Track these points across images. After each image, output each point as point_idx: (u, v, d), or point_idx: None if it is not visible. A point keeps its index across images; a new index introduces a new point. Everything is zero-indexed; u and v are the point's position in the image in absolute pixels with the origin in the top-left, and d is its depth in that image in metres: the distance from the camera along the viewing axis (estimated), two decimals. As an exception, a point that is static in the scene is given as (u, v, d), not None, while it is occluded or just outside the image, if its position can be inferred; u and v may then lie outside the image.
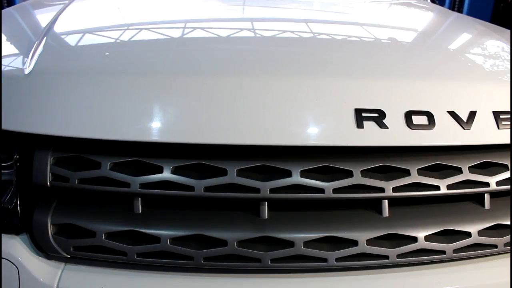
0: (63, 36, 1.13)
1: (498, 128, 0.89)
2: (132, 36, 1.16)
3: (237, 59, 1.02)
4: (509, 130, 0.90)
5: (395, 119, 0.85)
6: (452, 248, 0.88)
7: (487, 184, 0.91)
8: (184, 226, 0.84)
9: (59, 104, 0.84)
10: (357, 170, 0.85)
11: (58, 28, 1.17)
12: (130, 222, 0.85)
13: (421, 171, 0.88)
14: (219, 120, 0.82)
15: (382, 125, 0.84)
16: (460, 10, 6.38)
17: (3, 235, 0.87)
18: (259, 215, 0.86)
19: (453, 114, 0.88)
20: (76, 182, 0.84)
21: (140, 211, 0.86)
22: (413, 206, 0.92)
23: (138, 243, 0.84)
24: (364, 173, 0.86)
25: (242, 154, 0.86)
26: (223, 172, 0.83)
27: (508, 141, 0.90)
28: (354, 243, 0.85)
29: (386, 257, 0.86)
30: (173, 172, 0.83)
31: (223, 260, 0.84)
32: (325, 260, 0.84)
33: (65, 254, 0.86)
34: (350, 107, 0.85)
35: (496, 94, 0.93)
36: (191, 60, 1.00)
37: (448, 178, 0.89)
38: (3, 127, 0.84)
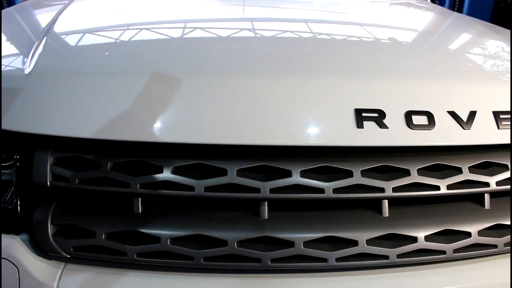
0: (63, 36, 1.13)
1: (498, 128, 0.89)
2: (132, 36, 1.16)
3: (237, 59, 1.02)
4: (509, 130, 0.90)
5: (395, 119, 0.85)
6: (452, 248, 0.89)
7: (487, 184, 0.91)
8: (184, 226, 0.84)
9: (59, 104, 0.84)
10: (357, 170, 0.85)
11: (58, 28, 1.17)
12: (130, 222, 0.85)
13: (421, 171, 0.88)
14: (219, 120, 0.82)
15: (382, 125, 0.84)
16: (460, 10, 6.37)
17: (3, 235, 0.87)
18: (259, 215, 0.86)
19: (453, 114, 0.88)
20: (76, 182, 0.84)
21: (140, 211, 0.86)
22: (413, 206, 0.92)
23: (138, 243, 0.84)
24: (364, 173, 0.86)
25: (242, 154, 0.86)
26: (223, 172, 0.83)
27: (508, 141, 0.90)
28: (354, 243, 0.85)
29: (386, 257, 0.86)
30: (173, 172, 0.83)
31: (223, 260, 0.84)
32: (325, 260, 0.84)
33: (65, 254, 0.86)
34: (350, 107, 0.85)
35: (496, 94, 0.93)
36: (191, 60, 1.00)
37: (448, 178, 0.89)
38: (3, 127, 0.84)
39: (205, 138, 0.82)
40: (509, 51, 1.22)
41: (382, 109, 0.85)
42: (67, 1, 1.48)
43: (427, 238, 0.87)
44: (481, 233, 0.90)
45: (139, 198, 0.86)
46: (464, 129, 0.87)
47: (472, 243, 0.90)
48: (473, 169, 0.91)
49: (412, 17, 1.74)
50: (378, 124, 0.84)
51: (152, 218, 0.86)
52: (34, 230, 0.86)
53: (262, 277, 0.87)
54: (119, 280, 0.86)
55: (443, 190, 0.88)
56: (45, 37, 1.07)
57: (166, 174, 0.83)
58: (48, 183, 0.85)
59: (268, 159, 0.85)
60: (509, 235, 0.92)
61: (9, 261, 0.85)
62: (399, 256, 0.86)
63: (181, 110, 0.83)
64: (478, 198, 0.95)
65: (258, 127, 0.82)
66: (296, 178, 0.84)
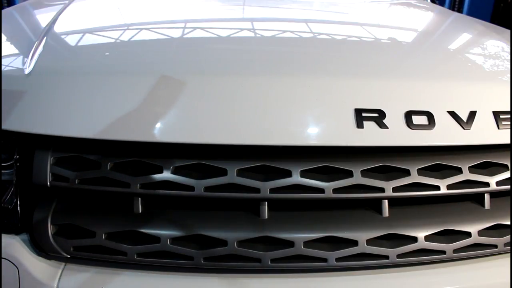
0: (63, 36, 1.13)
1: (498, 128, 0.90)
2: (132, 36, 1.16)
3: (237, 59, 1.02)
4: (509, 130, 0.90)
5: (395, 119, 0.85)
6: (452, 248, 0.89)
7: (487, 184, 0.91)
8: (184, 226, 0.84)
9: (59, 104, 0.84)
10: (357, 170, 0.85)
11: (58, 28, 1.17)
12: (130, 222, 0.85)
13: (421, 171, 0.88)
14: (219, 120, 0.82)
15: (382, 125, 0.84)
16: (460, 10, 6.37)
17: (3, 235, 0.87)
18: (259, 215, 0.86)
19: (453, 114, 0.88)
20: (76, 182, 0.84)
21: (140, 211, 0.86)
22: (413, 206, 0.92)
23: (138, 243, 0.84)
24: (364, 173, 0.86)
25: (242, 154, 0.86)
26: (223, 172, 0.83)
27: (508, 141, 0.90)
28: (354, 243, 0.85)
29: (386, 257, 0.86)
30: (173, 172, 0.83)
31: (223, 260, 0.84)
32: (325, 260, 0.84)
33: (65, 254, 0.86)
34: (350, 107, 0.85)
35: (496, 94, 0.93)
36: (191, 60, 1.00)
37: (448, 178, 0.89)
38: (3, 127, 0.84)
39: (205, 138, 0.82)
40: (509, 51, 1.22)
41: (382, 109, 0.85)
42: (67, 1, 1.48)
43: (427, 238, 0.87)
44: (481, 233, 0.90)
45: (139, 198, 0.86)
46: (464, 129, 0.87)
47: (472, 243, 0.90)
48: (473, 169, 0.91)
49: (412, 17, 1.74)
50: (378, 124, 0.84)
51: (152, 218, 0.86)
52: (34, 230, 0.86)
53: (262, 277, 0.87)
54: (119, 280, 0.86)
55: (443, 190, 0.88)
56: (45, 37, 1.07)
57: (166, 174, 0.83)
58: (48, 183, 0.85)
59: (268, 159, 0.85)
60: (509, 235, 0.92)
61: (9, 261, 0.85)
62: (399, 256, 0.86)
63: (181, 110, 0.83)
64: (478, 198, 0.95)
65: (258, 127, 0.82)
66: (296, 178, 0.84)
